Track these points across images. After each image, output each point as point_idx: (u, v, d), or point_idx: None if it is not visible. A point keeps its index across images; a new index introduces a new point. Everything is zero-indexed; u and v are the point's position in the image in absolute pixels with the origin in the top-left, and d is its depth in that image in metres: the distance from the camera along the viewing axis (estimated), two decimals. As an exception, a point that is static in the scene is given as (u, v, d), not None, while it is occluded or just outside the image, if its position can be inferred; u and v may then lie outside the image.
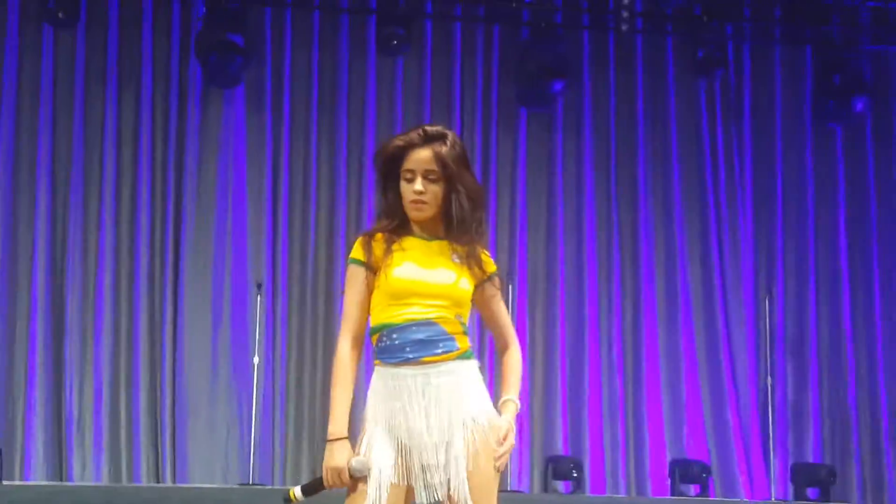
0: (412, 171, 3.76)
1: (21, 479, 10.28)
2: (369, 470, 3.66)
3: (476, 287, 3.85)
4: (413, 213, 3.80)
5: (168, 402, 10.89)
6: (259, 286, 10.82)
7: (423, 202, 3.76)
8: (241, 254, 11.27)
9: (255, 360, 10.49)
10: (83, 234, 10.96)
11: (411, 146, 3.76)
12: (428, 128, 3.80)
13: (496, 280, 3.92)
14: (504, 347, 4.02)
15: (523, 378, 4.01)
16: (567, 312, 11.73)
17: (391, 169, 3.78)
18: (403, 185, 3.78)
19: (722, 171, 12.41)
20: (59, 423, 10.57)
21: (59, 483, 10.34)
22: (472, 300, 3.87)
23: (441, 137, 3.77)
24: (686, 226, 12.24)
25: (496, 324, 4.00)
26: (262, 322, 10.78)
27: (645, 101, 12.29)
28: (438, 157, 3.74)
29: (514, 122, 12.00)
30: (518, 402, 3.86)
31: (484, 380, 3.87)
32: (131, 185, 11.09)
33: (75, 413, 10.63)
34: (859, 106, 12.18)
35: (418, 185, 3.74)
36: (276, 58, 11.56)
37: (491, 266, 3.90)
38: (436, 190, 3.76)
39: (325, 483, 3.70)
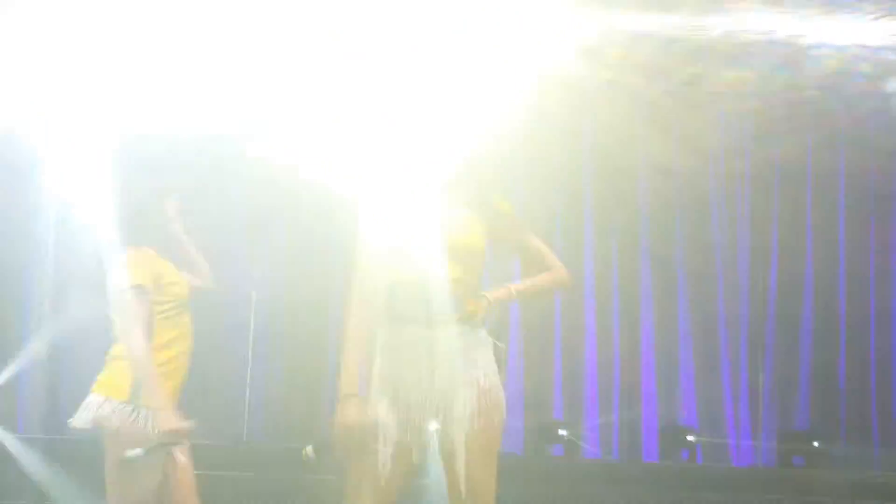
0: None
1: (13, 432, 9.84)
2: (375, 427, 3.57)
3: (496, 234, 3.75)
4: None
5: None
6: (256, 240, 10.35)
7: None
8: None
9: (252, 314, 10.01)
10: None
11: None
12: None
13: (514, 217, 3.81)
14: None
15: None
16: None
17: None
18: None
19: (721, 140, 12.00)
20: (54, 375, 10.14)
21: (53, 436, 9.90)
22: (506, 245, 3.80)
23: None
24: (685, 193, 11.86)
25: (533, 257, 3.87)
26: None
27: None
28: None
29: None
30: (514, 291, 3.79)
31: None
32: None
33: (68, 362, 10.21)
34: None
35: None
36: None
37: (505, 206, 3.78)
38: None
39: (335, 440, 3.62)
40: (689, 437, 11.07)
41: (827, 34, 9.62)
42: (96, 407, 4.27)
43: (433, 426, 3.61)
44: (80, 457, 7.31)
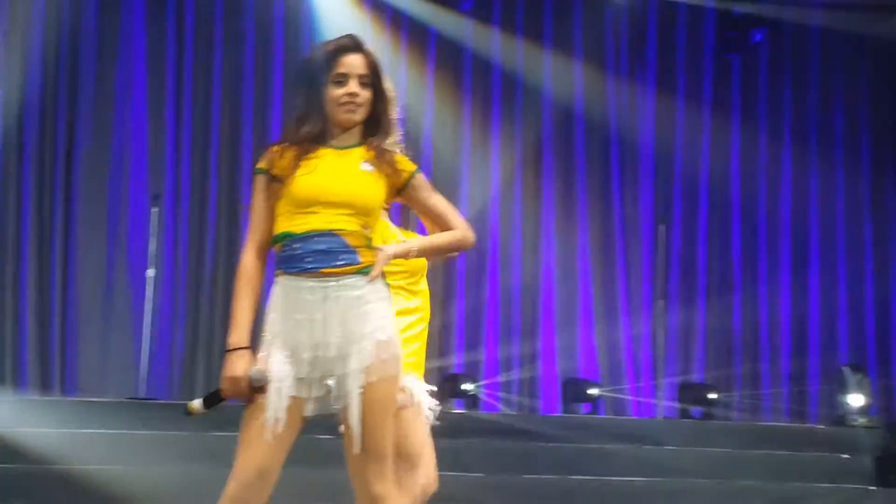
0: (344, 75, 3.61)
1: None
2: (268, 380, 3.45)
3: (400, 192, 3.69)
4: (345, 116, 3.61)
5: (58, 314, 10.09)
6: (156, 197, 9.98)
7: (357, 104, 3.61)
8: (140, 163, 10.50)
9: (150, 272, 9.65)
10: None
11: (343, 51, 3.63)
12: (355, 35, 3.70)
13: (419, 177, 3.72)
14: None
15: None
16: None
17: (318, 74, 3.62)
18: (333, 89, 3.61)
19: (625, 99, 11.92)
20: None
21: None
22: (410, 206, 3.78)
23: (366, 46, 3.68)
24: (587, 154, 11.76)
25: (437, 216, 3.77)
26: (159, 234, 9.97)
27: (554, 29, 11.69)
28: (371, 63, 3.64)
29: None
30: (416, 248, 3.70)
31: None
32: (21, 88, 10.09)
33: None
34: (758, 37, 11.89)
35: (353, 86, 3.60)
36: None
37: (408, 165, 3.71)
38: (366, 95, 3.63)
39: (224, 394, 3.51)
40: (591, 391, 11.00)
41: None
42: None
43: (328, 380, 3.50)
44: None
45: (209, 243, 10.66)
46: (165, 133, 10.58)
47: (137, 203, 10.42)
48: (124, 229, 10.39)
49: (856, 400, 10.54)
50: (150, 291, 9.61)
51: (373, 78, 3.64)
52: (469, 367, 11.14)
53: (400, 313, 4.15)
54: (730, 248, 12.11)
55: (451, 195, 10.79)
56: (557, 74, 11.70)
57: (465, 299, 11.31)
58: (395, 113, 3.69)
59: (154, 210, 9.87)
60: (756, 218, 12.20)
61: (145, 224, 10.10)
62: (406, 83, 11.14)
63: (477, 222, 11.09)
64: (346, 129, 3.64)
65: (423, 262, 4.38)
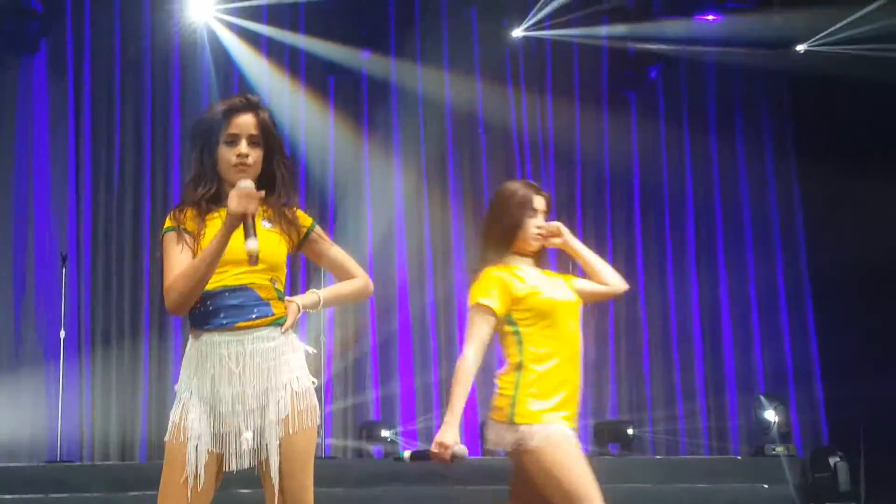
0: (235, 135, 3.63)
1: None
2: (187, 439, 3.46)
3: (299, 246, 3.75)
4: (236, 176, 3.58)
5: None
6: (64, 258, 9.90)
7: (248, 164, 3.62)
8: (45, 225, 10.40)
9: (62, 334, 9.57)
10: None
11: (234, 111, 3.65)
12: (249, 95, 3.74)
13: (317, 230, 3.80)
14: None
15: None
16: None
17: (210, 135, 3.65)
18: (224, 150, 3.63)
19: (526, 138, 12.06)
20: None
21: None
22: (309, 258, 3.84)
23: (261, 105, 3.70)
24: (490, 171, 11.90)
25: (337, 267, 3.86)
26: (67, 295, 9.88)
27: (451, 66, 11.81)
28: (262, 123, 3.65)
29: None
30: (322, 297, 3.78)
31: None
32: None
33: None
34: (653, 74, 12.07)
35: (243, 147, 3.62)
36: (77, 23, 10.65)
37: (306, 220, 3.78)
38: (257, 155, 3.64)
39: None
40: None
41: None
42: (490, 431, 4.37)
43: (247, 433, 3.54)
44: None
45: (114, 302, 10.57)
46: (69, 192, 10.49)
47: (43, 264, 10.30)
48: (32, 291, 10.26)
49: (771, 416, 10.58)
50: (62, 353, 9.54)
51: (265, 137, 3.66)
52: (385, 406, 11.15)
53: (534, 358, 4.32)
54: (635, 276, 12.12)
55: (356, 218, 10.94)
56: (458, 99, 11.77)
57: (379, 353, 11.31)
58: (290, 169, 3.75)
59: (63, 270, 9.80)
60: (663, 242, 12.31)
61: (53, 285, 10.02)
62: (305, 116, 11.19)
63: (382, 246, 11.14)
64: None
65: (549, 304, 4.37)
